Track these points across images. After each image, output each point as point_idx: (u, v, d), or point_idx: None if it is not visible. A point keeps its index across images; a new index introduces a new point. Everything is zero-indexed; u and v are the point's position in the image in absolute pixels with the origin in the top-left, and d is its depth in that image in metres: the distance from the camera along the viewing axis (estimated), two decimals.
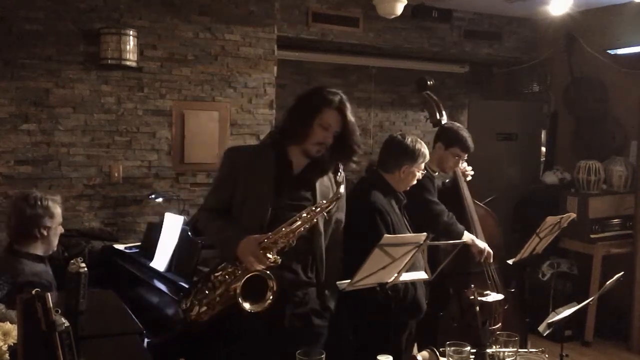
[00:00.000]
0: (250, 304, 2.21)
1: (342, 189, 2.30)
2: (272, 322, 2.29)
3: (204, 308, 2.27)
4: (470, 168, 3.64)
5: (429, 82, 3.73)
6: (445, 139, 3.42)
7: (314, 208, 2.29)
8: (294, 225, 2.25)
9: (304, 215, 2.27)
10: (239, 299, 2.19)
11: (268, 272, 2.22)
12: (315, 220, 2.30)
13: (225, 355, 2.39)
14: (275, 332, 2.32)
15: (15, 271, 2.65)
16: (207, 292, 2.29)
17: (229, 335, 2.32)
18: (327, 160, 2.39)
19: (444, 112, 3.70)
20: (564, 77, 5.85)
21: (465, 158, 3.49)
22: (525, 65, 6.33)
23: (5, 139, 4.20)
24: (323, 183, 2.45)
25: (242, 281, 2.20)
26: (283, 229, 2.23)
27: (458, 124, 3.59)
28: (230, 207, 2.38)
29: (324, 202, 2.32)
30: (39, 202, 2.77)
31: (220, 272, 2.30)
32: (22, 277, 2.63)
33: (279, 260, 2.23)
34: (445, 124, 3.61)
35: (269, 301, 2.22)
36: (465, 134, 3.44)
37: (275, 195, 2.33)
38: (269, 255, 2.20)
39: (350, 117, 2.37)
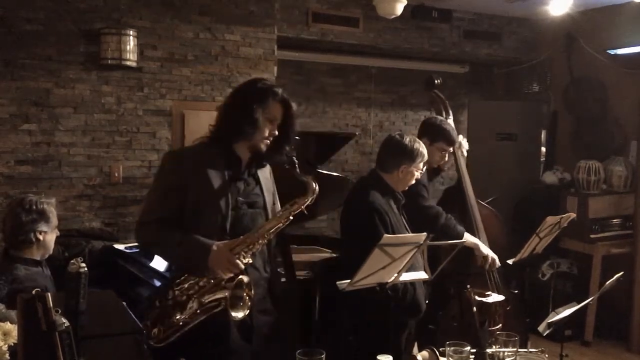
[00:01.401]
0: (237, 311, 2.12)
1: (314, 185, 2.24)
2: (240, 323, 2.24)
3: (167, 327, 2.14)
4: (465, 141, 3.65)
5: (436, 81, 3.73)
6: (430, 134, 3.41)
7: (289, 205, 2.24)
8: (271, 224, 2.21)
9: (282, 213, 2.23)
10: (229, 310, 2.09)
11: (245, 276, 2.14)
12: (292, 217, 2.23)
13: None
14: (244, 332, 2.29)
15: (10, 277, 2.64)
16: (171, 309, 2.15)
17: (209, 340, 2.24)
18: (265, 153, 2.32)
19: (450, 111, 3.71)
20: (564, 77, 5.86)
21: (451, 151, 3.49)
22: (525, 65, 6.33)
23: (5, 139, 4.20)
24: (263, 175, 2.41)
25: (230, 291, 2.08)
26: (258, 230, 2.19)
27: (440, 118, 3.58)
28: (179, 215, 2.23)
29: (302, 199, 2.24)
30: (34, 207, 2.74)
31: (183, 286, 2.18)
32: (17, 284, 2.62)
33: (250, 262, 2.18)
34: (427, 119, 3.62)
35: (249, 303, 2.14)
36: (449, 127, 3.44)
37: (231, 195, 2.26)
38: (242, 259, 2.13)
39: (294, 106, 2.34)
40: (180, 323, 2.14)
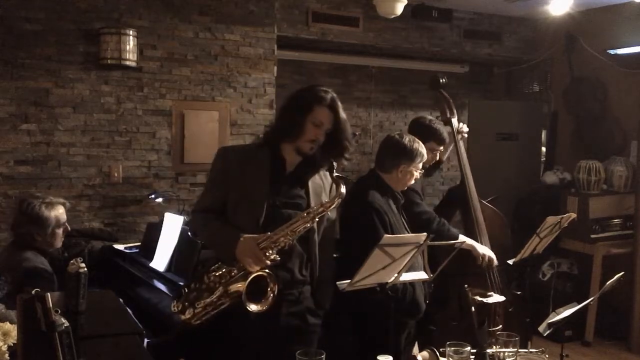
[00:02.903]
0: (254, 304, 2.20)
1: (342, 188, 2.30)
2: (267, 322, 2.29)
3: (199, 310, 2.25)
4: (465, 126, 3.66)
5: (442, 80, 3.73)
6: (420, 134, 3.37)
7: (315, 207, 2.30)
8: (296, 224, 2.25)
9: (306, 214, 2.27)
10: (245, 301, 2.17)
11: (269, 271, 2.22)
12: (317, 218, 2.30)
13: (223, 357, 2.38)
14: (271, 332, 2.32)
15: (21, 259, 2.79)
16: (202, 294, 2.26)
17: (226, 336, 2.32)
18: (318, 158, 2.39)
19: (454, 111, 3.69)
20: (564, 77, 5.85)
21: (442, 150, 3.48)
22: (525, 65, 6.33)
23: (5, 139, 4.19)
24: (315, 181, 2.45)
25: (247, 283, 2.18)
26: (284, 228, 2.23)
27: (429, 117, 3.56)
28: (224, 207, 2.37)
29: (327, 200, 2.33)
30: (29, 211, 2.87)
31: (215, 273, 2.28)
32: (28, 263, 2.78)
33: (278, 259, 2.23)
34: (416, 118, 3.60)
35: (270, 300, 2.22)
36: (439, 126, 3.43)
37: (270, 193, 2.33)
38: (268, 255, 2.20)
39: (342, 114, 2.38)
40: (208, 307, 2.24)
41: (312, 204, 2.39)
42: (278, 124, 2.42)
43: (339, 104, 2.39)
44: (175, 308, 2.29)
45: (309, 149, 2.35)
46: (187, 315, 2.25)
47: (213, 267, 2.30)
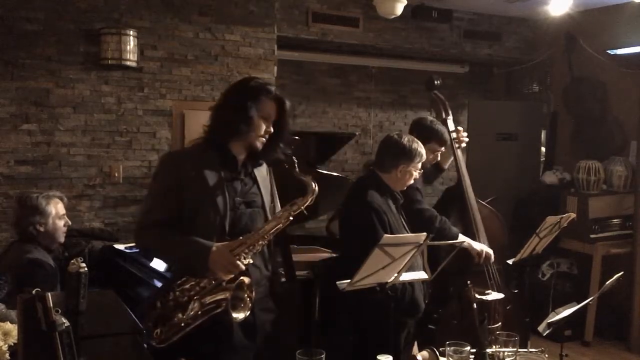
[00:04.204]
0: (238, 312, 2.13)
1: (314, 185, 2.24)
2: (243, 322, 2.22)
3: (170, 328, 2.14)
4: (465, 134, 3.64)
5: (436, 82, 3.75)
6: (421, 135, 3.37)
7: (289, 206, 2.24)
8: (270, 225, 2.21)
9: (282, 214, 2.23)
10: (231, 312, 2.10)
11: (246, 277, 2.15)
12: (292, 217, 2.23)
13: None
14: (247, 331, 2.28)
15: (24, 252, 2.85)
16: (172, 312, 2.15)
17: (211, 340, 2.25)
18: (261, 151, 2.32)
19: (450, 112, 3.71)
20: (564, 77, 5.85)
21: (443, 150, 3.48)
22: (525, 65, 6.34)
23: (5, 139, 4.20)
24: (260, 174, 2.40)
25: (231, 292, 2.09)
26: (259, 231, 2.19)
27: (430, 118, 3.57)
28: (178, 217, 2.22)
29: (302, 200, 2.24)
30: (28, 202, 2.93)
31: (183, 288, 2.18)
32: (31, 255, 2.82)
33: (252, 262, 2.18)
34: (417, 119, 3.60)
35: (249, 306, 2.15)
36: (440, 127, 3.43)
37: (229, 195, 2.25)
38: (242, 260, 2.13)
39: (288, 104, 2.34)
40: (182, 324, 2.14)
41: (265, 199, 2.36)
42: (225, 122, 2.26)
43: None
44: (146, 326, 2.18)
45: (260, 143, 2.29)
46: (156, 335, 2.14)
47: (179, 281, 2.20)
